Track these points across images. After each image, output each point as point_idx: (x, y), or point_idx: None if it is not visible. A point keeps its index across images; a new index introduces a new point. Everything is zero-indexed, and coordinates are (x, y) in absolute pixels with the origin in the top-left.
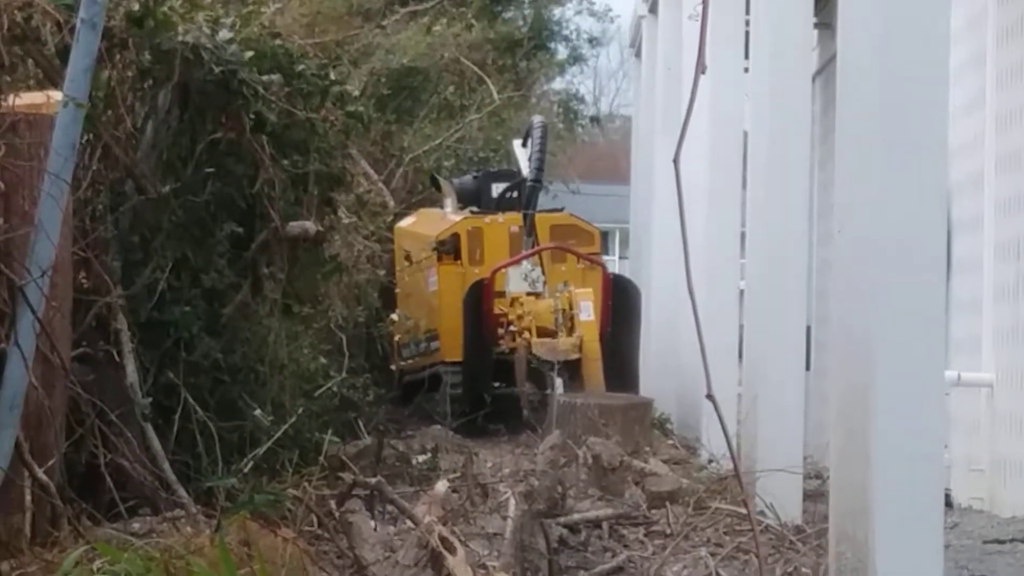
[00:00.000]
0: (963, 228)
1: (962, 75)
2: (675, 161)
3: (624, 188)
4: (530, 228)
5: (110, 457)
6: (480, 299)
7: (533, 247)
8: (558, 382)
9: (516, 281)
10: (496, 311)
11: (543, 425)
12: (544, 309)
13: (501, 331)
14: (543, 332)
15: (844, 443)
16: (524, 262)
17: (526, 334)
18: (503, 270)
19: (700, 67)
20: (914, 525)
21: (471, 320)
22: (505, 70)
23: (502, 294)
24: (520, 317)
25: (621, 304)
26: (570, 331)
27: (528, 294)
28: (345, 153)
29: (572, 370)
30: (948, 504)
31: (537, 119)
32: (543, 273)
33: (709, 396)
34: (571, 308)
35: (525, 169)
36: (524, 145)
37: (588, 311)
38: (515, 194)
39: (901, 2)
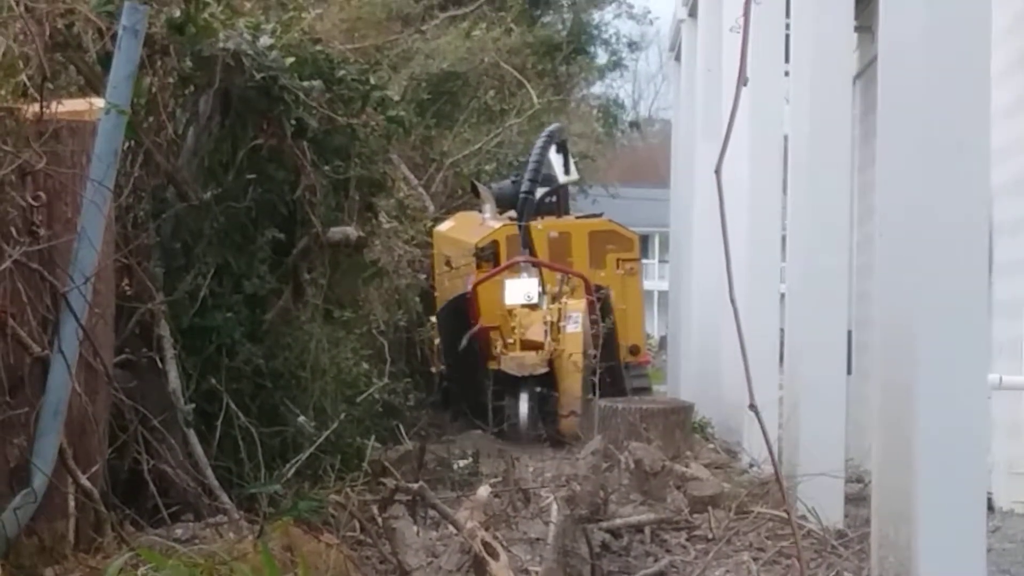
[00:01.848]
0: (1005, 231)
1: (1004, 77)
2: (717, 172)
3: (664, 192)
4: (525, 239)
5: (153, 463)
6: (465, 313)
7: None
8: (523, 397)
9: (512, 293)
10: (489, 324)
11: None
12: (534, 322)
13: (500, 343)
14: (530, 345)
15: (886, 447)
16: (523, 274)
17: (498, 347)
18: (496, 281)
19: (742, 79)
20: (957, 529)
21: (453, 335)
22: (544, 74)
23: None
24: (513, 329)
25: (605, 313)
26: (557, 343)
27: (523, 306)
28: (386, 158)
29: (544, 383)
30: (990, 508)
31: (551, 126)
32: (541, 284)
33: (752, 407)
34: (560, 320)
35: (560, 175)
36: (558, 151)
37: (576, 323)
38: (554, 199)
39: (942, 4)
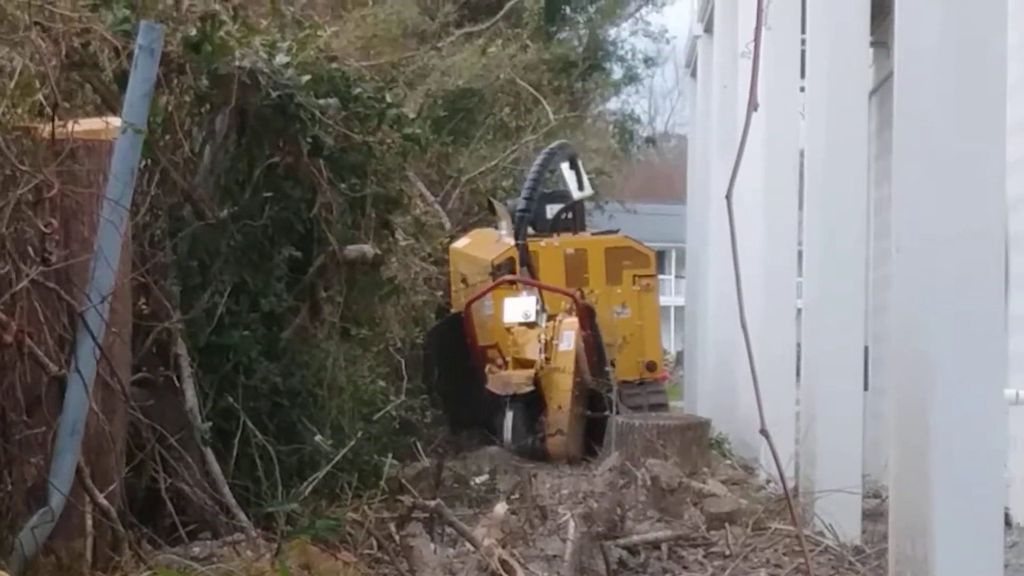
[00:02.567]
0: (1020, 244)
1: (1018, 91)
2: (728, 198)
3: (680, 207)
4: (523, 257)
5: (170, 481)
6: (460, 333)
7: (531, 277)
8: (507, 416)
9: (511, 312)
10: (485, 343)
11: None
12: (529, 340)
13: (500, 362)
14: (523, 363)
15: (903, 463)
16: (522, 292)
17: (489, 366)
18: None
19: (752, 104)
20: (974, 544)
21: (443, 353)
22: (560, 91)
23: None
24: (507, 348)
25: (595, 330)
26: (548, 361)
27: (521, 324)
28: (402, 175)
29: (527, 402)
30: (1007, 523)
31: (554, 144)
32: (540, 303)
33: (763, 431)
34: (554, 338)
35: (574, 191)
36: (572, 167)
37: (568, 341)
38: (570, 215)
39: (957, 20)
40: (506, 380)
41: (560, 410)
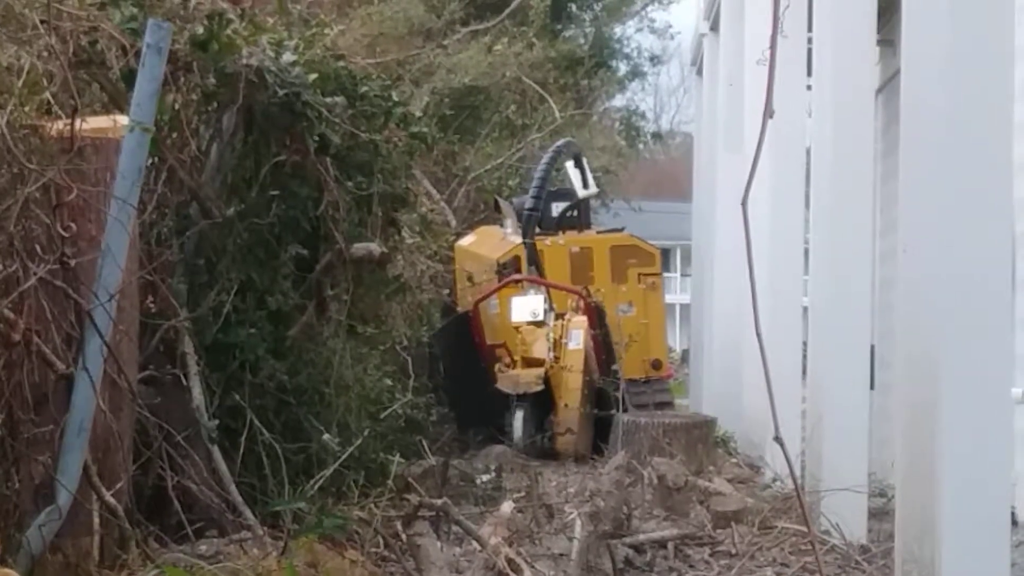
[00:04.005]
0: None
1: None
2: (744, 204)
3: (685, 205)
4: (531, 256)
5: (177, 479)
6: (468, 332)
7: (540, 276)
8: (517, 415)
9: (519, 311)
10: (493, 342)
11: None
12: (538, 338)
13: (508, 361)
14: (532, 362)
15: (910, 462)
16: (529, 291)
17: (498, 365)
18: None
19: (768, 111)
20: (981, 544)
21: (452, 353)
22: (567, 88)
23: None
24: (515, 347)
25: (603, 329)
26: (558, 360)
27: (529, 323)
28: (408, 173)
29: (536, 401)
30: (1013, 522)
31: (560, 142)
32: (548, 301)
33: (777, 439)
34: (562, 337)
35: (579, 189)
36: (576, 166)
37: (577, 340)
38: (575, 213)
39: (965, 20)
40: (515, 379)
41: (569, 409)
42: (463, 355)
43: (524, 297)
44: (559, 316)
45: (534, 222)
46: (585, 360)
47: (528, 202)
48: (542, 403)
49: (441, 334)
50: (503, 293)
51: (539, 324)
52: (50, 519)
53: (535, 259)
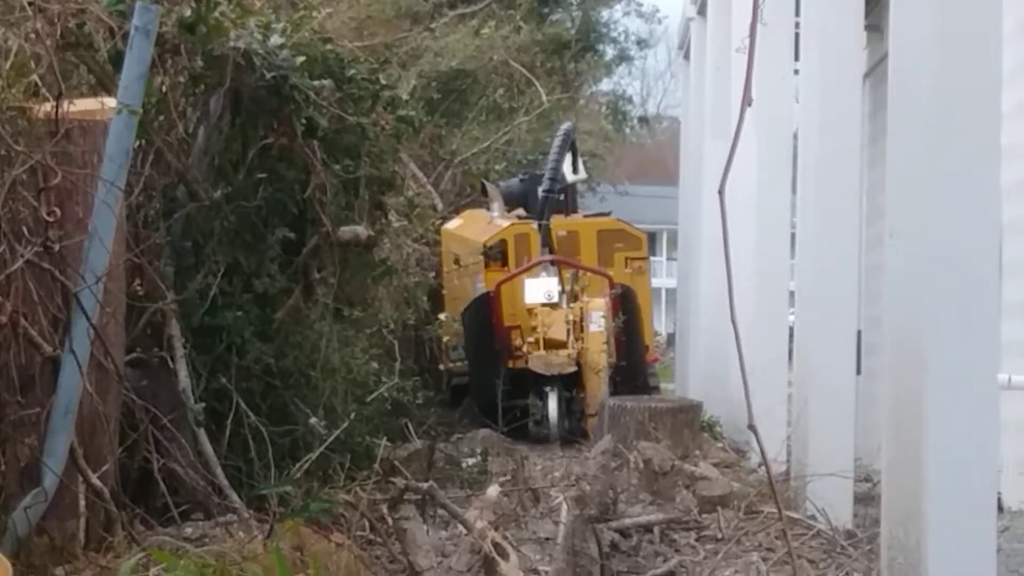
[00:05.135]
0: (1014, 231)
1: (1014, 78)
2: (720, 192)
3: (672, 189)
4: (545, 238)
5: (163, 462)
6: (488, 312)
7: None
8: (551, 397)
9: (533, 292)
10: (510, 324)
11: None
12: (556, 320)
13: (519, 343)
14: (553, 344)
15: (896, 448)
16: (542, 273)
17: (525, 348)
18: (518, 280)
19: (746, 99)
20: (966, 530)
21: (476, 334)
22: (553, 72)
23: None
24: (534, 328)
25: (628, 312)
26: (579, 341)
27: (544, 305)
28: (395, 157)
29: (569, 382)
30: (999, 508)
31: (564, 125)
32: (561, 284)
33: (751, 426)
34: (582, 319)
35: (568, 173)
36: (569, 150)
37: (598, 322)
38: (562, 197)
39: (953, 6)
40: (547, 360)
41: (598, 390)
42: (485, 336)
43: (537, 279)
44: (574, 298)
45: (551, 204)
46: (608, 342)
47: (545, 184)
48: (569, 385)
49: (468, 313)
50: (493, 276)
51: (553, 306)
52: (36, 501)
53: (549, 241)
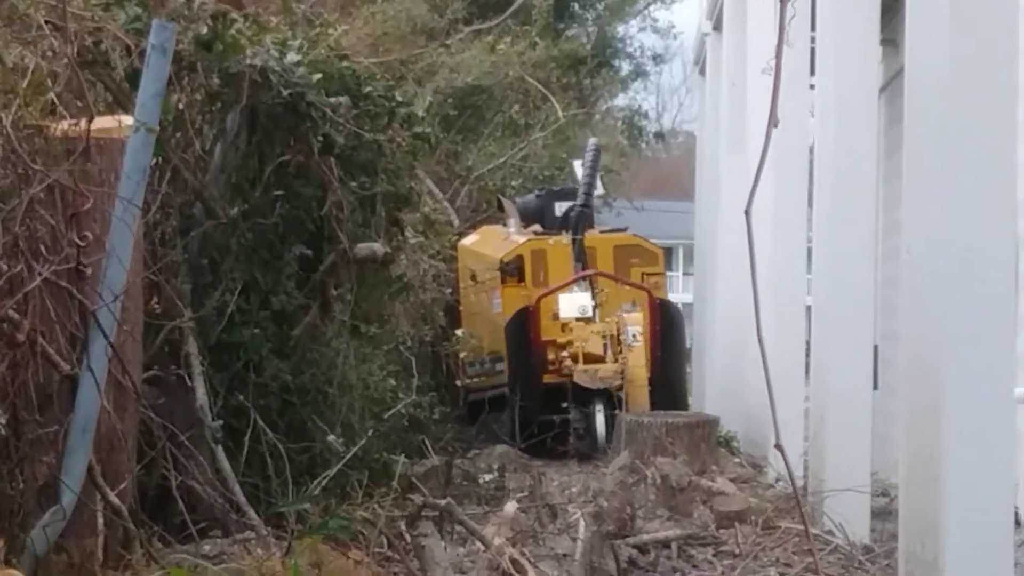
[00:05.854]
0: None
1: None
2: (747, 212)
3: (687, 204)
4: (579, 252)
5: (181, 479)
6: (527, 326)
7: (583, 271)
8: (598, 411)
9: (567, 307)
10: (546, 338)
11: (606, 447)
12: (593, 335)
13: (552, 357)
14: (591, 358)
15: (913, 463)
16: (574, 287)
17: (567, 361)
18: (553, 295)
19: (772, 120)
20: (984, 544)
21: (516, 348)
22: (569, 88)
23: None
24: (571, 343)
25: (667, 327)
26: (617, 356)
27: (578, 319)
28: (412, 173)
29: (610, 396)
30: (1016, 522)
31: (592, 141)
32: (594, 298)
33: (777, 446)
34: (619, 333)
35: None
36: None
37: (636, 337)
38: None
39: (969, 20)
40: (593, 374)
41: (641, 405)
42: (523, 350)
43: (571, 294)
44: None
45: (585, 219)
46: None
47: (580, 199)
48: (610, 399)
49: (510, 327)
50: (510, 292)
51: (587, 320)
52: (54, 519)
53: (582, 256)
